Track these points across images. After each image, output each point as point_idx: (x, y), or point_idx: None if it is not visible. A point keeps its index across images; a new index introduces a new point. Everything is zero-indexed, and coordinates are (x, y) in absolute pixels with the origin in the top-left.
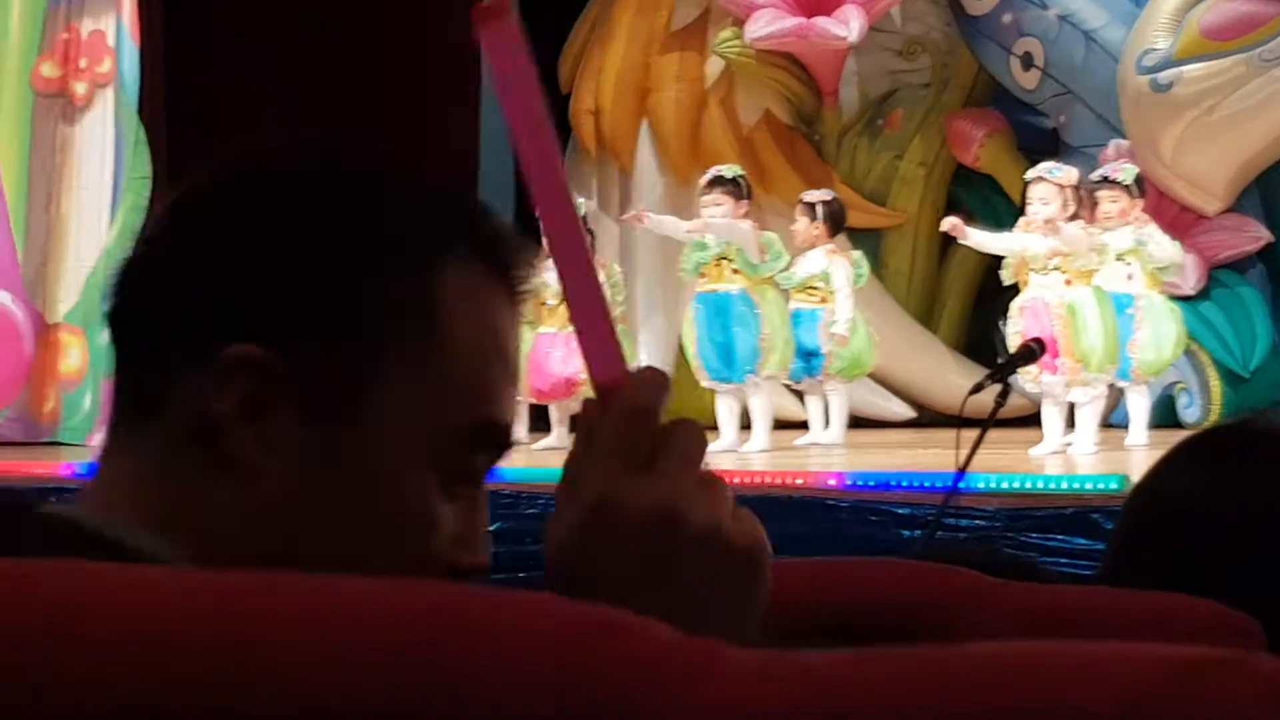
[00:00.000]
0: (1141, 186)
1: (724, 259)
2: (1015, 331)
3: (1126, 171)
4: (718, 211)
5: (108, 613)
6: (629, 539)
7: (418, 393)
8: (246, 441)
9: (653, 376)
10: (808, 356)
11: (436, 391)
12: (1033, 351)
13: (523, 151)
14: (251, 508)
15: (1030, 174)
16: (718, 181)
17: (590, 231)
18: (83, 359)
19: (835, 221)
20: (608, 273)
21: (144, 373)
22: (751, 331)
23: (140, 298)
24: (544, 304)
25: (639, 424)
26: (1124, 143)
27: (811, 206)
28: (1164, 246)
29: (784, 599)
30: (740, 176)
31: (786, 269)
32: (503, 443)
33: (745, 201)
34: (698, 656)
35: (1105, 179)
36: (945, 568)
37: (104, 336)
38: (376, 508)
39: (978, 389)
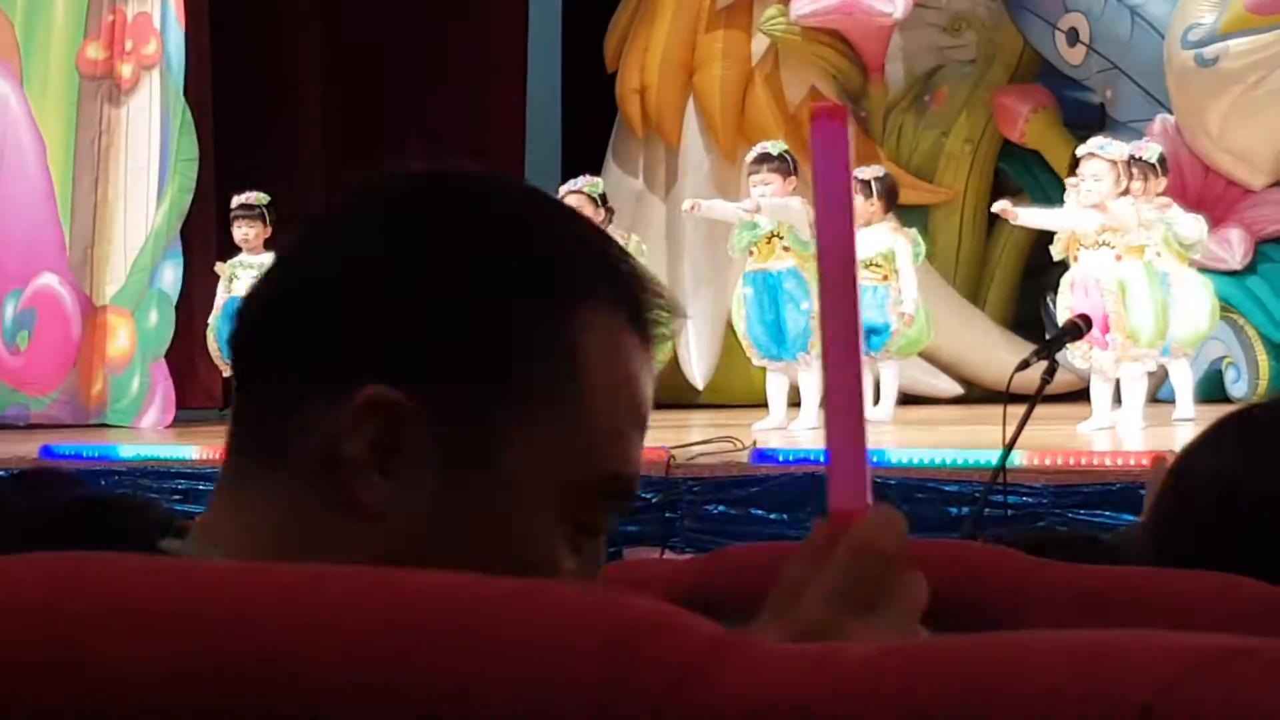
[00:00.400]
0: (1165, 165)
1: (775, 236)
2: (1065, 307)
3: (1151, 150)
4: (766, 190)
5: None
6: None
7: (554, 439)
8: (377, 484)
9: (890, 519)
10: (868, 335)
11: (572, 439)
12: (1078, 328)
13: (823, 250)
14: (376, 550)
15: (1081, 150)
16: (764, 158)
17: (611, 209)
18: (130, 341)
19: (890, 197)
20: (626, 241)
21: (271, 409)
22: (803, 310)
23: (271, 335)
24: None
25: (869, 566)
26: (1170, 118)
27: (866, 183)
28: (1187, 225)
29: None
30: (786, 152)
31: None
32: (629, 493)
33: (793, 177)
34: (737, 649)
35: (1132, 158)
36: (983, 547)
37: (151, 318)
38: (503, 555)
39: (1024, 366)
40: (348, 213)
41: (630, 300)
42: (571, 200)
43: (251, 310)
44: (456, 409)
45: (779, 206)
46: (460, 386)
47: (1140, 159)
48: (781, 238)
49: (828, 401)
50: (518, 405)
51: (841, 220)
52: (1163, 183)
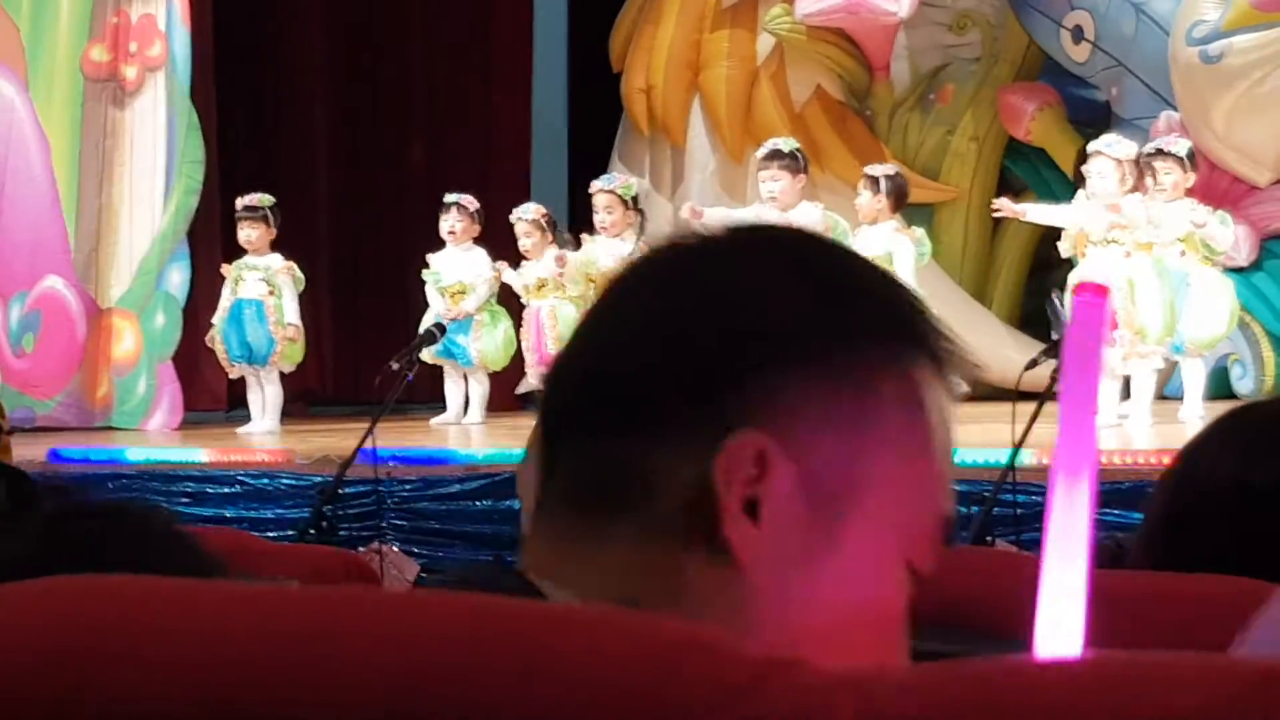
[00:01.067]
0: (1193, 160)
1: None
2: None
3: (1180, 144)
4: (775, 187)
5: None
6: None
7: (907, 486)
8: (747, 532)
9: None
10: None
11: (920, 485)
12: None
13: (1068, 421)
14: (737, 598)
15: (1090, 148)
16: (775, 155)
17: (642, 211)
18: (136, 343)
19: (898, 196)
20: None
21: (614, 454)
22: None
23: (612, 377)
24: (591, 279)
25: None
26: (1175, 115)
27: (875, 180)
28: (1219, 238)
29: None
30: (797, 150)
31: None
32: (951, 535)
33: (802, 175)
34: (782, 671)
35: (1160, 150)
36: (1002, 552)
37: (158, 320)
38: (864, 605)
39: (1033, 364)
40: (694, 254)
41: (939, 352)
42: (602, 199)
43: (582, 350)
44: (821, 457)
45: (807, 213)
46: (824, 435)
47: (1169, 152)
48: None
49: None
50: (879, 453)
51: (1091, 378)
52: (1191, 177)
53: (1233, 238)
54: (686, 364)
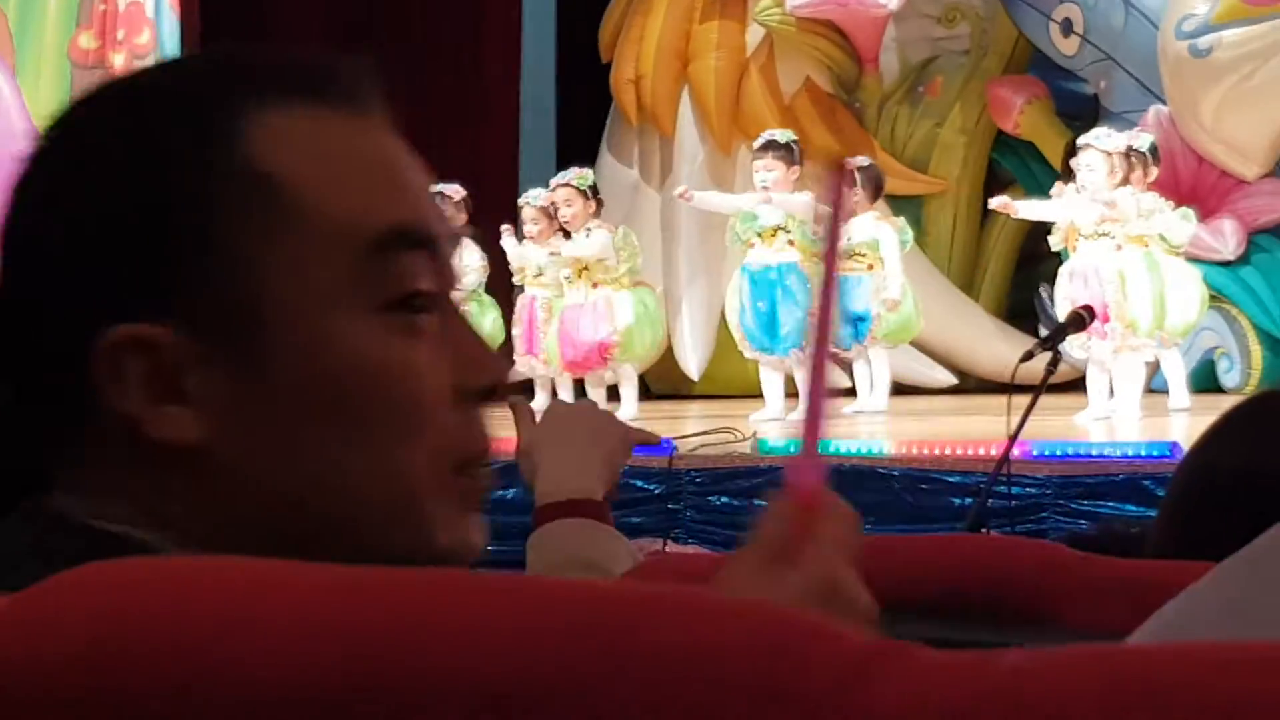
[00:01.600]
0: (1156, 155)
1: (781, 229)
2: (1065, 297)
3: (1143, 139)
4: (769, 178)
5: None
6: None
7: (304, 255)
8: (176, 421)
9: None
10: (855, 322)
11: (318, 244)
12: (1082, 319)
13: (827, 255)
14: (220, 483)
15: (1080, 141)
16: (770, 146)
17: (599, 200)
18: None
19: (876, 187)
20: (617, 241)
21: (44, 371)
22: (801, 306)
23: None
24: (565, 277)
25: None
26: (1164, 109)
27: (851, 173)
28: (1176, 229)
29: (880, 575)
30: (793, 141)
31: None
32: (421, 241)
33: (797, 167)
34: (893, 657)
35: (1130, 148)
36: (1029, 541)
37: None
38: (342, 390)
39: (1028, 357)
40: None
41: (306, 87)
42: (561, 193)
43: None
44: (201, 298)
45: (788, 200)
46: (187, 274)
47: (1134, 149)
48: (788, 231)
49: (811, 385)
50: (250, 259)
51: (838, 226)
52: (1154, 172)
53: (1189, 230)
54: (38, 268)
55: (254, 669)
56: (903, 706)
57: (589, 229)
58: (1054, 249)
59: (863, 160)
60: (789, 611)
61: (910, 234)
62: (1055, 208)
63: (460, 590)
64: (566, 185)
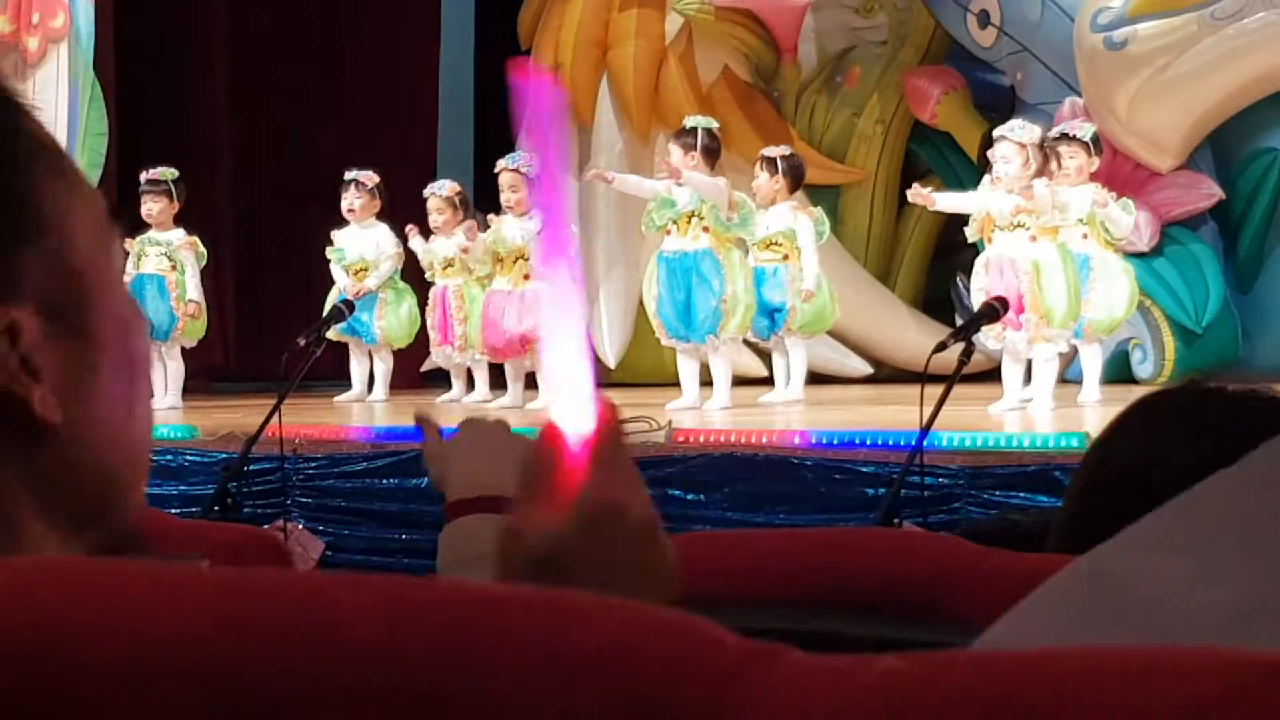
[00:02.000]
0: (1098, 144)
1: (695, 215)
2: (979, 288)
3: (1085, 129)
4: (667, 159)
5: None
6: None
7: (97, 227)
8: (44, 400)
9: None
10: (771, 314)
11: (97, 216)
12: (995, 310)
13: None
14: (82, 455)
15: (995, 133)
16: (681, 131)
17: (469, 209)
18: None
19: (795, 177)
20: (497, 224)
21: None
22: (714, 293)
23: None
24: (499, 258)
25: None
26: (1079, 100)
27: (772, 161)
28: (1119, 223)
29: (777, 569)
30: (705, 129)
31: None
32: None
33: (695, 153)
34: (768, 660)
35: (1065, 135)
36: (927, 535)
37: None
38: (136, 354)
39: (941, 347)
40: None
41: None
42: (506, 178)
43: None
44: (39, 279)
45: (704, 183)
46: (21, 253)
47: (1074, 137)
48: (702, 217)
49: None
50: (68, 232)
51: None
52: (1096, 161)
53: (1133, 224)
54: None
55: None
56: (775, 711)
57: (530, 215)
58: (970, 240)
59: (785, 149)
60: (664, 614)
61: (827, 224)
62: (972, 199)
63: (330, 590)
64: (514, 171)
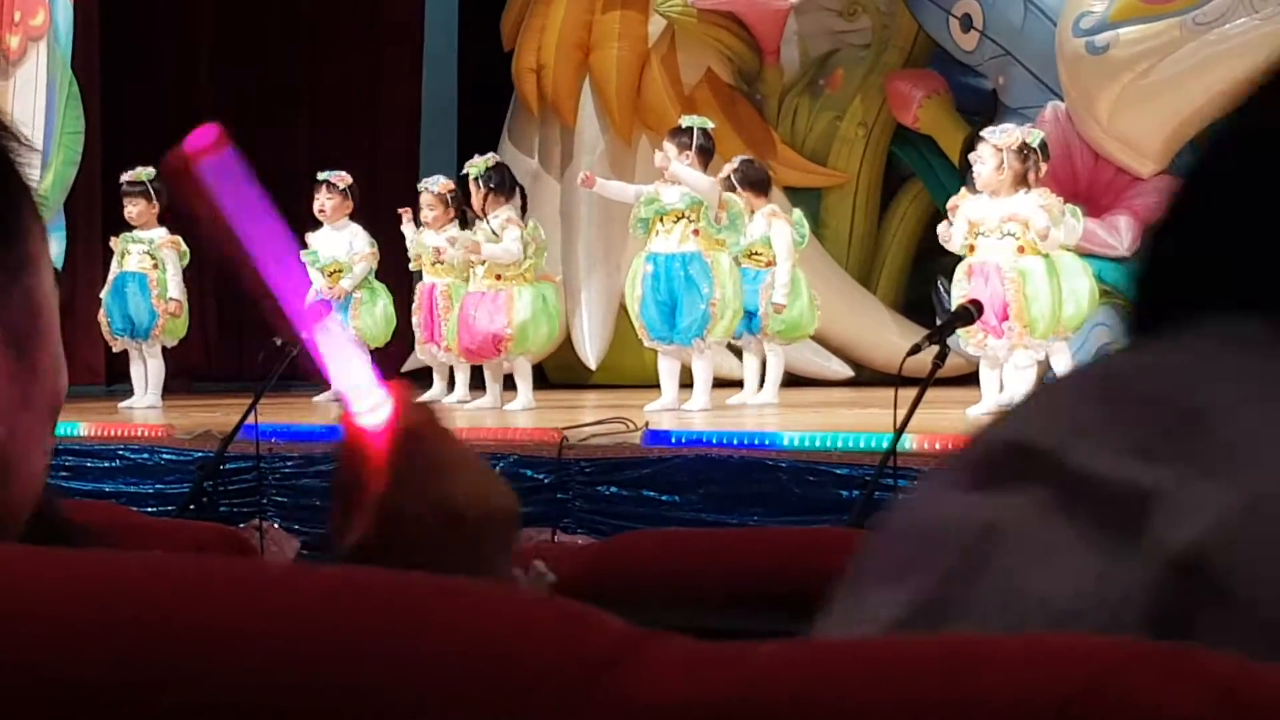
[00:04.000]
0: (1046, 152)
1: (685, 217)
2: (961, 294)
3: (1034, 136)
4: (660, 157)
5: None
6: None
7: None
8: None
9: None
10: (749, 315)
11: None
12: (969, 313)
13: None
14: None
15: (983, 134)
16: (674, 131)
17: (459, 207)
18: None
19: (757, 184)
20: (526, 236)
21: None
22: (702, 296)
23: None
24: (473, 263)
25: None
26: (1061, 105)
27: (726, 179)
28: (1070, 230)
29: (726, 568)
30: (699, 129)
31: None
32: None
33: (689, 153)
34: (650, 646)
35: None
36: (862, 533)
37: None
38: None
39: (915, 350)
40: None
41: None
42: (424, 198)
43: None
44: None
45: (696, 179)
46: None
47: (1026, 144)
48: (691, 220)
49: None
50: (33, 254)
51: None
52: (1043, 168)
53: (1079, 232)
54: None
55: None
56: (655, 695)
57: (496, 217)
58: (957, 250)
59: (734, 161)
60: (544, 601)
61: (806, 227)
62: (957, 229)
63: (232, 580)
64: (432, 193)
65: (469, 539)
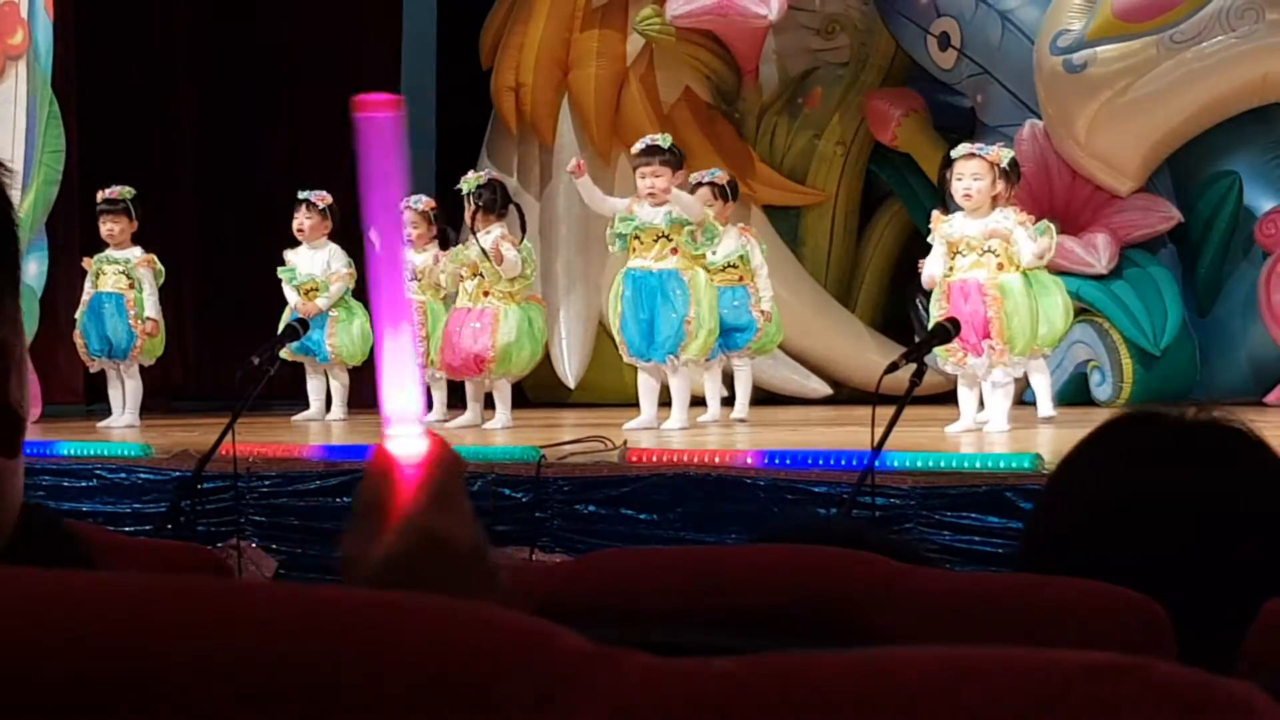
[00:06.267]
0: (1018, 171)
1: (664, 236)
2: (940, 312)
3: (1003, 154)
4: (656, 183)
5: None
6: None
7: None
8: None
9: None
10: (730, 333)
11: None
12: (947, 331)
13: (383, 266)
14: None
15: (958, 151)
16: (653, 151)
17: (444, 230)
18: None
19: (735, 194)
20: (522, 255)
21: None
22: (678, 313)
23: None
24: (462, 279)
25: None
26: (1039, 123)
27: (721, 188)
28: (1044, 246)
29: (702, 586)
30: (674, 146)
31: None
32: None
33: (681, 172)
34: (606, 664)
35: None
36: (853, 554)
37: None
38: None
39: (893, 368)
40: None
41: None
42: (406, 216)
43: None
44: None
45: (692, 204)
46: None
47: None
48: (671, 240)
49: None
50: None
51: (392, 195)
52: (1015, 187)
53: (1051, 249)
54: None
55: None
56: (610, 710)
57: (488, 234)
58: (941, 269)
59: (717, 171)
60: (500, 615)
61: (764, 244)
62: (936, 254)
63: (205, 598)
64: (415, 210)
65: (467, 569)
